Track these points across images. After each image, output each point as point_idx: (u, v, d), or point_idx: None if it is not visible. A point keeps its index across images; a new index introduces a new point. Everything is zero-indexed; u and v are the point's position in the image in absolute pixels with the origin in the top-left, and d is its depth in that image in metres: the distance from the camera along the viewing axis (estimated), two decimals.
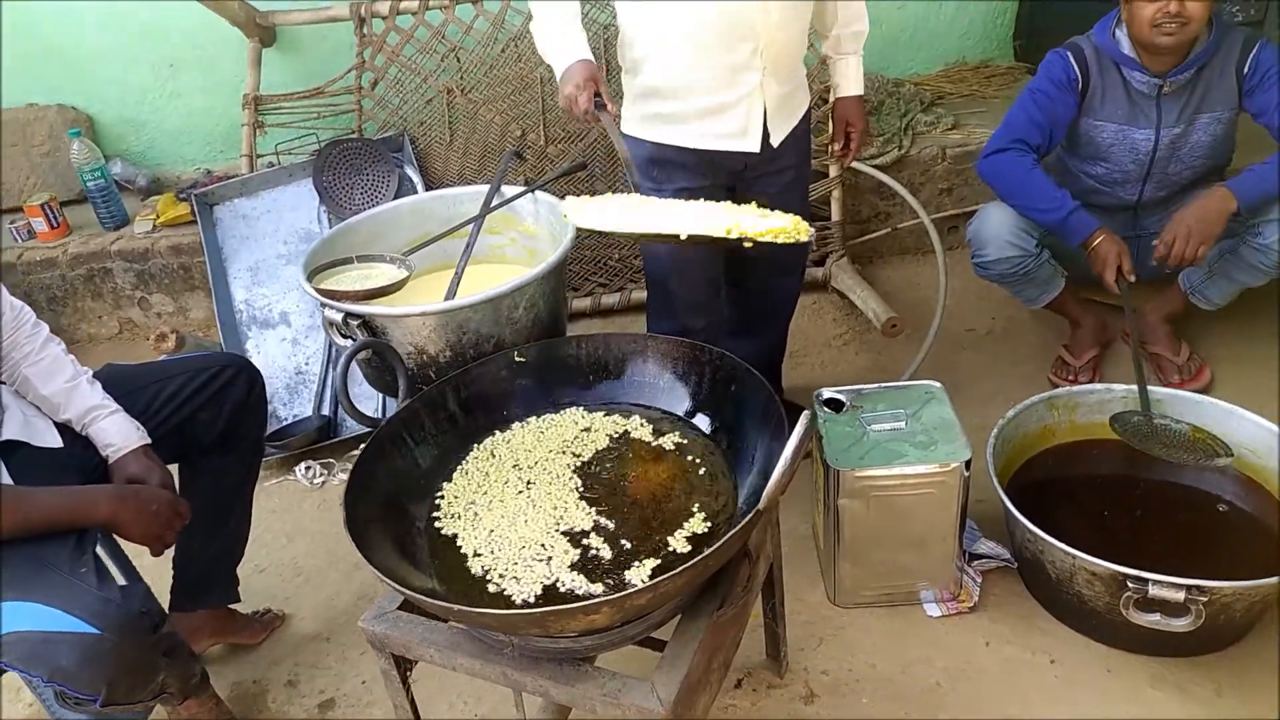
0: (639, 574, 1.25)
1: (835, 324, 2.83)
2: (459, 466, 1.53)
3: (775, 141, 1.88)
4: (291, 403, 2.60)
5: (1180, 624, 1.60)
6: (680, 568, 1.11)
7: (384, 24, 2.89)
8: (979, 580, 1.91)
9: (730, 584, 1.38)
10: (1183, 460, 1.91)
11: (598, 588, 1.25)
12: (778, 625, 1.76)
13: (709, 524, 1.34)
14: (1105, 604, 1.69)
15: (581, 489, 1.44)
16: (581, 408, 1.63)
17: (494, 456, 1.55)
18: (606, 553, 1.31)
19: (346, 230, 1.98)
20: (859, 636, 1.88)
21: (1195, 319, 2.38)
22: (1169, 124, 2.17)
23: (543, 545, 1.33)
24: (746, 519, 1.15)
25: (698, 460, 1.47)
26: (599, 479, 1.47)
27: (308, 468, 2.43)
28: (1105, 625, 1.75)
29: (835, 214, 2.88)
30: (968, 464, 1.76)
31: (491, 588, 1.28)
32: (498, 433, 1.59)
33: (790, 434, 1.20)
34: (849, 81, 1.99)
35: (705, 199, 1.94)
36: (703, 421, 1.56)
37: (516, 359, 1.65)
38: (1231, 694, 1.68)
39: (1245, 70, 2.11)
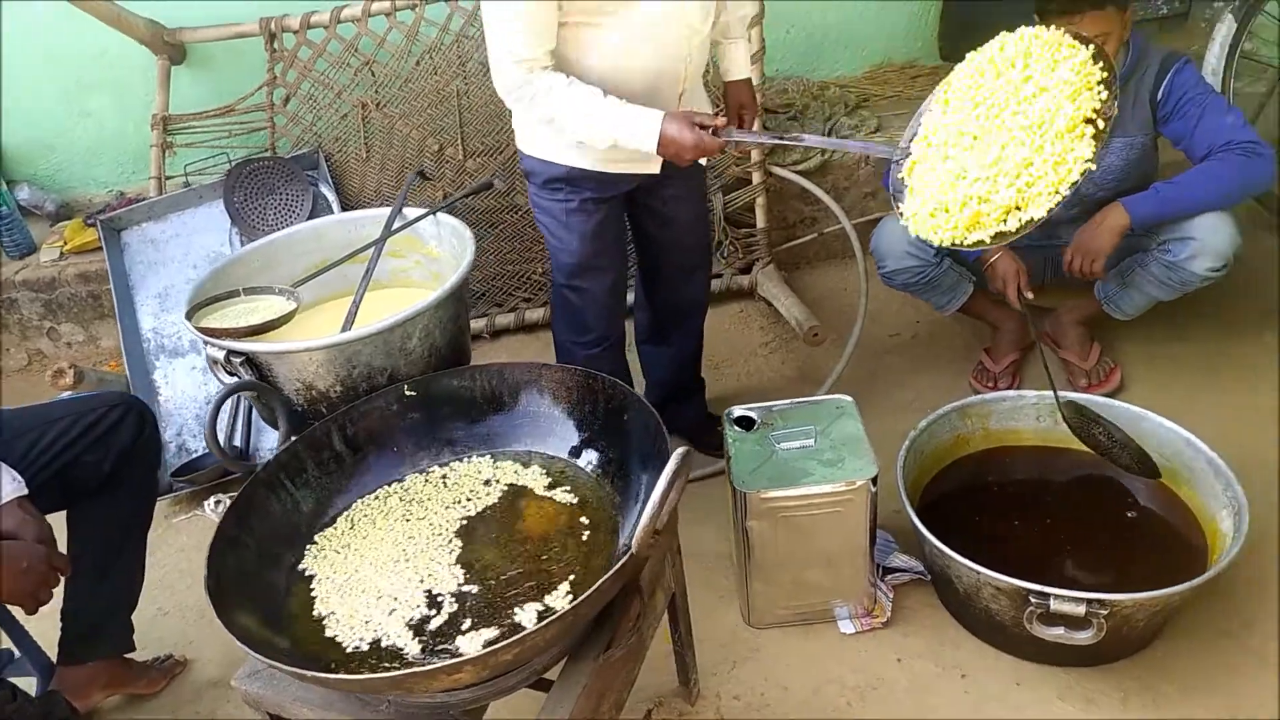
0: (473, 643, 1.22)
1: (762, 332, 2.82)
2: (346, 511, 1.50)
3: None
4: (201, 434, 2.53)
5: (1083, 637, 1.59)
6: (520, 635, 1.08)
7: (295, 38, 2.82)
8: (891, 595, 1.90)
9: (619, 623, 1.35)
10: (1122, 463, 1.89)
11: (416, 648, 1.23)
12: (686, 653, 1.74)
13: (570, 597, 1.30)
14: (1011, 618, 1.68)
15: (461, 549, 1.41)
16: (488, 456, 1.59)
17: (386, 505, 1.51)
18: (447, 615, 1.28)
19: (239, 260, 1.93)
20: (773, 658, 1.87)
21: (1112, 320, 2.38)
22: None
23: (395, 598, 1.31)
24: (609, 573, 1.12)
25: (586, 520, 1.44)
26: (481, 538, 1.43)
27: (217, 501, 2.34)
28: (1014, 638, 1.74)
29: (760, 220, 2.86)
30: (875, 480, 1.75)
31: (328, 631, 1.27)
32: (395, 483, 1.56)
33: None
34: (738, 65, 1.97)
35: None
36: (593, 456, 1.53)
37: (406, 393, 1.61)
38: (1137, 702, 1.68)
39: (1159, 96, 2.09)
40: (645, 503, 1.36)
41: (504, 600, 1.30)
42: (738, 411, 1.94)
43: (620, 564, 1.14)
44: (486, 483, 1.54)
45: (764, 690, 1.81)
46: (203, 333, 1.62)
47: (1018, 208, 1.43)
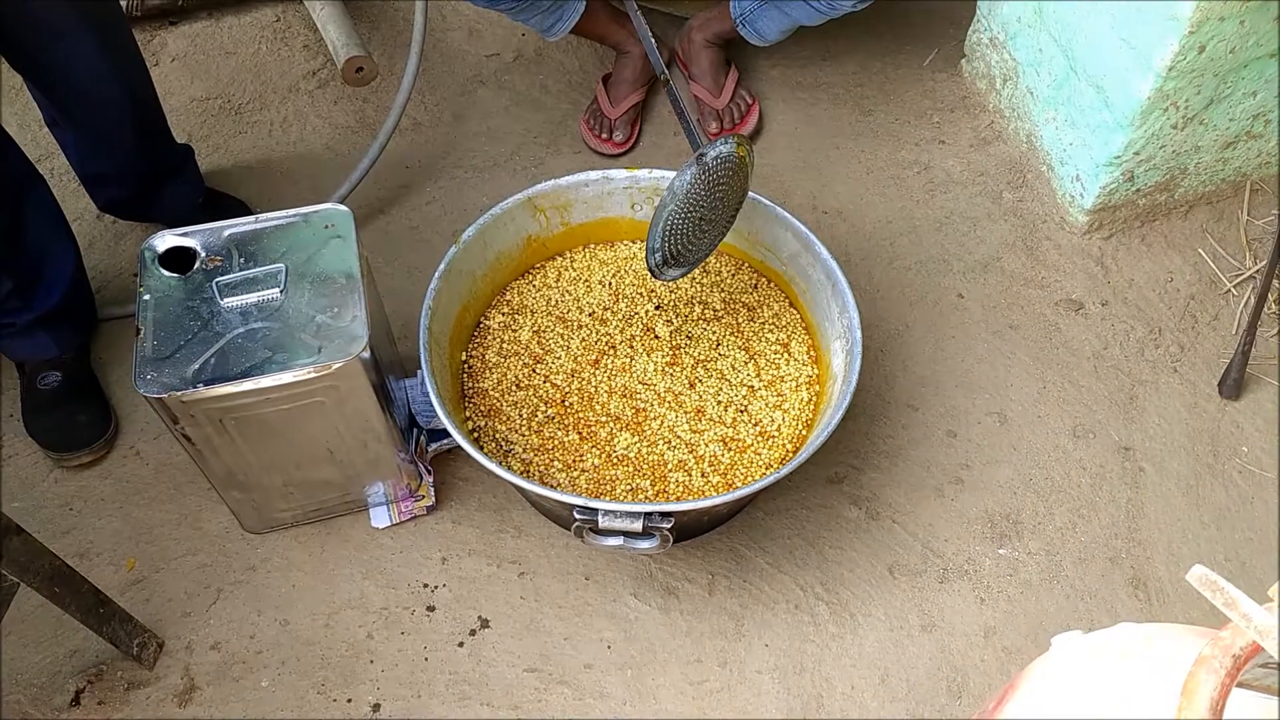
0: None
1: (307, 55, 1.97)
2: None
3: None
4: None
5: (645, 546, 1.19)
6: None
7: None
8: (431, 474, 1.40)
9: None
10: None
11: None
12: (111, 626, 1.18)
13: None
14: (566, 518, 1.25)
15: None
16: None
17: None
18: None
19: None
20: (274, 577, 1.36)
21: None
22: None
23: None
24: None
25: None
26: None
27: None
28: None
29: None
30: (371, 349, 1.17)
31: None
32: None
33: None
34: None
35: None
36: None
37: None
38: (725, 584, 1.36)
39: None
40: None
41: None
42: (164, 242, 1.23)
43: None
44: None
45: (255, 630, 1.32)
46: None
47: None
